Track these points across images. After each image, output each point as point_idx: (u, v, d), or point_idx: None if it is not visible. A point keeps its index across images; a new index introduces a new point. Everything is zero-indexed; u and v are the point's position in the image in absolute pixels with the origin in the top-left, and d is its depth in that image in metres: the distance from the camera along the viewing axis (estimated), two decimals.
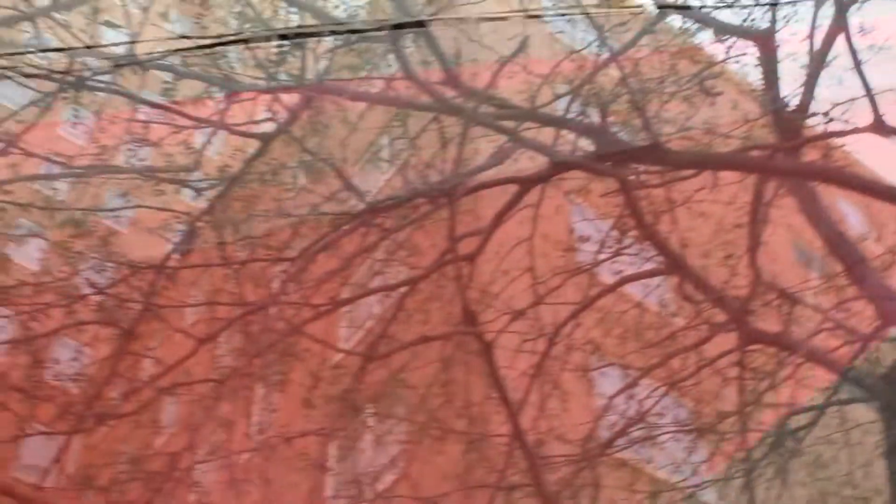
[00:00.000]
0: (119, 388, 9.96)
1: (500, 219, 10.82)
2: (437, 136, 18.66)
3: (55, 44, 8.62)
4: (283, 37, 7.66)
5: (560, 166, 10.32)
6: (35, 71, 7.26)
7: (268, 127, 9.84)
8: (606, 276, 20.58)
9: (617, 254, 11.10)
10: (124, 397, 9.64)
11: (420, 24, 8.11)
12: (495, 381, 9.31)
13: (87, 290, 9.68)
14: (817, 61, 10.75)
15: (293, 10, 7.89)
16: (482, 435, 13.25)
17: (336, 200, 11.61)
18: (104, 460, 30.67)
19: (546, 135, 21.29)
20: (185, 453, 11.09)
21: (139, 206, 8.97)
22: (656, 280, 22.71)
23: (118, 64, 6.83)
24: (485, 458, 14.25)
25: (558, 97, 11.45)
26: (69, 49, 7.02)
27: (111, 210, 8.59)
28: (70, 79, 7.57)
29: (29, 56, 7.77)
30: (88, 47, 7.00)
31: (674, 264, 11.29)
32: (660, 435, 12.96)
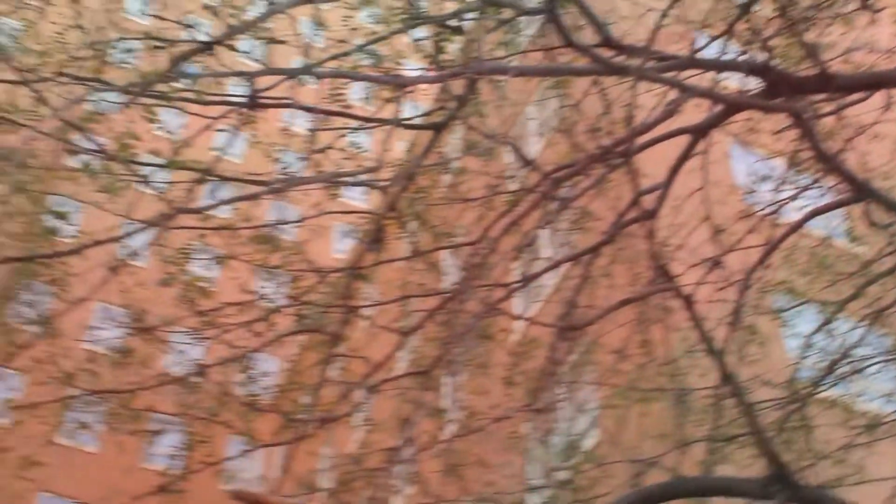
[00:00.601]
0: (334, 392, 10.18)
1: (675, 171, 10.69)
2: (600, 100, 18.60)
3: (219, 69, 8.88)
4: (441, 24, 7.72)
5: (730, 110, 10.14)
6: (214, 98, 7.51)
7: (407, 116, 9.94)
8: (788, 213, 20.19)
9: (804, 189, 10.83)
10: (340, 399, 9.88)
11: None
12: (700, 334, 9.21)
13: (286, 302, 9.96)
14: None
15: None
16: (688, 389, 13.16)
17: (510, 177, 11.66)
18: (313, 464, 31.59)
19: (707, 81, 20.96)
20: (401, 447, 11.30)
21: (326, 213, 9.17)
22: (837, 211, 22.17)
23: (291, 75, 6.99)
24: (693, 413, 14.14)
25: (715, 38, 11.26)
26: (243, 72, 7.23)
27: (299, 221, 8.81)
28: (245, 100, 7.79)
29: (195, 84, 8.04)
30: (264, 65, 7.19)
31: (860, 191, 10.96)
32: (867, 367, 12.60)
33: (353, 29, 9.42)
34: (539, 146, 25.66)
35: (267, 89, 8.31)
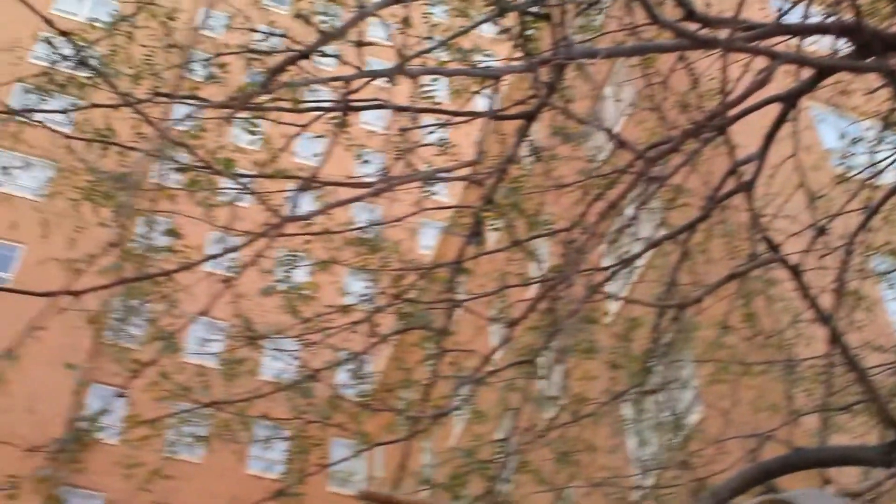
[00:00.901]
0: (441, 387, 10.24)
1: (770, 140, 10.54)
2: (686, 75, 18.41)
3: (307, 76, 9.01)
4: (526, 12, 7.71)
5: (822, 73, 9.96)
6: (309, 106, 7.59)
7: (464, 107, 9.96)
8: (885, 174, 19.82)
9: None
10: (449, 394, 9.93)
11: None
12: (809, 302, 9.08)
13: (389, 302, 10.03)
14: None
15: None
16: (796, 360, 12.99)
17: (602, 160, 11.61)
18: (417, 460, 31.68)
19: (791, 46, 20.70)
20: (510, 436, 11.32)
21: (426, 210, 9.21)
22: None
23: (385, 76, 7.04)
24: (802, 384, 13.95)
25: (798, 2, 11.07)
26: (339, 77, 7.32)
27: (399, 220, 8.87)
28: (336, 104, 7.87)
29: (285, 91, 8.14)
30: (357, 69, 7.26)
31: None
32: None
33: (433, 25, 9.48)
34: (622, 126, 25.52)
35: (355, 91, 8.37)
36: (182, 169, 7.56)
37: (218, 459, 42.44)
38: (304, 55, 6.91)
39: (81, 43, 7.71)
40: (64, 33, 7.65)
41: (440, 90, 53.19)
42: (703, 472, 17.20)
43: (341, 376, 40.41)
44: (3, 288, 6.94)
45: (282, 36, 7.35)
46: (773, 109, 20.19)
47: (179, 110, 46.44)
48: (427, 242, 52.91)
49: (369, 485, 39.61)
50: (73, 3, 53.03)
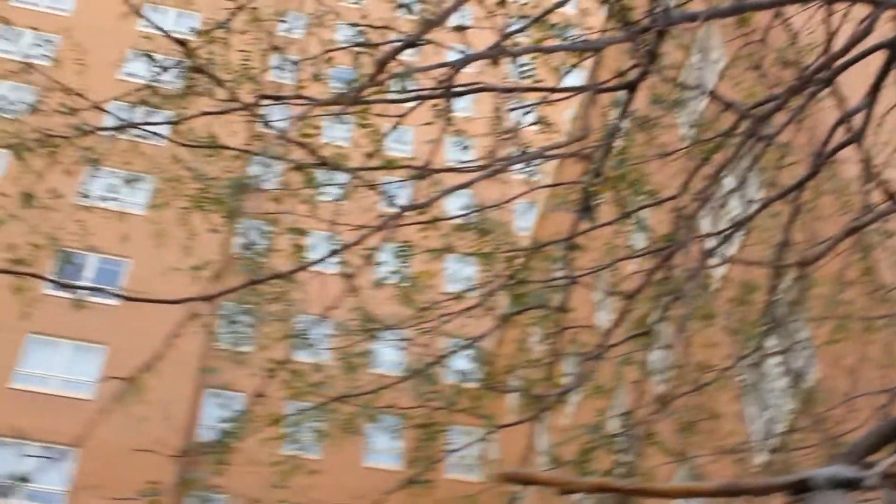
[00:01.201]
0: (561, 364, 10.25)
1: (877, 89, 10.30)
2: (784, 31, 18.15)
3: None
4: None
5: None
6: (412, 95, 7.65)
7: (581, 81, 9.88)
8: None
9: None
10: (574, 370, 9.95)
11: None
12: None
13: (503, 283, 10.05)
14: None
15: None
16: None
17: (706, 123, 11.49)
18: (528, 440, 31.62)
19: None
20: (637, 410, 11.29)
21: (534, 189, 9.22)
22: None
23: (482, 58, 7.06)
24: None
25: None
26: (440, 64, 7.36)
27: (508, 201, 8.89)
28: (439, 90, 7.90)
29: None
30: (463, 53, 7.29)
31: None
32: None
33: (524, 3, 9.47)
34: (717, 88, 25.17)
35: (455, 74, 8.40)
36: (299, 167, 7.67)
37: (336, 454, 42.87)
38: (411, 44, 6.96)
39: (191, 51, 7.86)
40: (180, 42, 7.81)
41: (536, 68, 52.88)
42: (833, 431, 16.95)
43: (460, 362, 40.57)
44: (136, 298, 7.12)
45: (383, 28, 7.41)
46: (875, 59, 19.73)
47: (281, 111, 46.96)
48: (522, 224, 52.67)
49: (499, 467, 39.74)
50: (157, 18, 53.91)
